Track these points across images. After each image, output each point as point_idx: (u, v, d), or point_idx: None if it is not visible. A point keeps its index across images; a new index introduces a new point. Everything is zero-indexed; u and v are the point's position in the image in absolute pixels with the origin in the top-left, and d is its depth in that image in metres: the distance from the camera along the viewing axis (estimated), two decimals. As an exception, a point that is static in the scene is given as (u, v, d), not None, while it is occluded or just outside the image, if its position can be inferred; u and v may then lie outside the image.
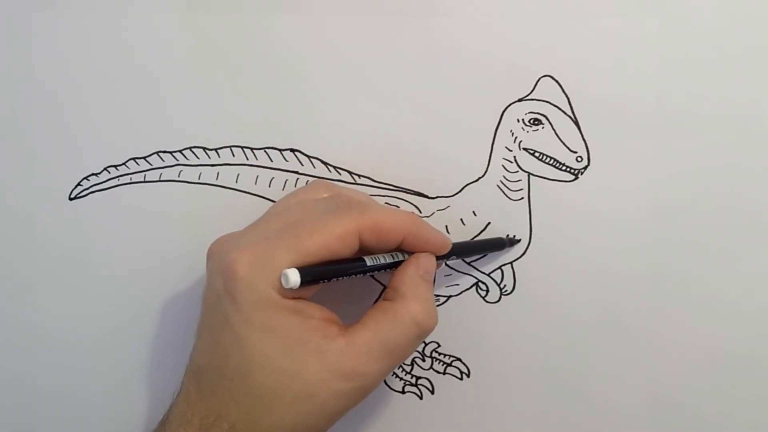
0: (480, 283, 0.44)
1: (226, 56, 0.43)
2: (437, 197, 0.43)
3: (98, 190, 0.44)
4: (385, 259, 0.37)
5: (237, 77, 0.43)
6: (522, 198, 0.43)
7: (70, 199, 0.44)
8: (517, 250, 0.43)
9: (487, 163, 0.43)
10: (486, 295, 0.44)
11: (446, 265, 0.43)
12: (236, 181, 0.44)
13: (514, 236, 0.43)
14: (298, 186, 0.43)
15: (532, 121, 0.42)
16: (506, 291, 0.44)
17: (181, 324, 0.44)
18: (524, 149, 0.43)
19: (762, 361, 0.43)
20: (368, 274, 0.37)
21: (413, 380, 0.45)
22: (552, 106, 0.42)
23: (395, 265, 0.38)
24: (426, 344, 0.44)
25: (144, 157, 0.44)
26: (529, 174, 0.43)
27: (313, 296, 0.37)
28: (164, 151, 0.44)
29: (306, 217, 0.36)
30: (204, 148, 0.44)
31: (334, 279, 0.36)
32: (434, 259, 0.39)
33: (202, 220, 0.44)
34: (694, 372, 0.43)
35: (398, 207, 0.43)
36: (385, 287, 0.41)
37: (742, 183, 0.42)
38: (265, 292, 0.35)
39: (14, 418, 0.45)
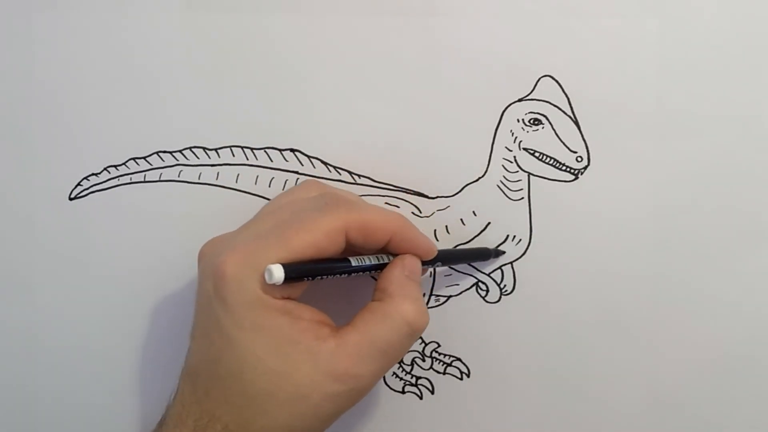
0: (480, 283, 0.44)
1: (226, 56, 0.43)
2: (437, 197, 0.43)
3: (98, 190, 0.44)
4: (370, 261, 0.37)
5: (237, 77, 0.43)
6: (522, 198, 0.43)
7: (70, 199, 0.44)
8: (517, 250, 0.43)
9: (487, 163, 0.43)
10: (486, 295, 0.44)
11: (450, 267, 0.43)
12: (236, 181, 0.44)
13: (499, 247, 0.43)
14: (297, 186, 0.44)
15: (532, 121, 0.42)
16: (506, 291, 0.44)
17: (181, 324, 0.44)
18: (524, 149, 0.43)
19: (762, 361, 0.43)
20: (362, 273, 0.37)
21: (413, 380, 0.45)
22: (552, 106, 0.42)
23: (380, 267, 0.38)
24: (426, 344, 0.44)
25: (144, 157, 0.44)
26: (529, 174, 0.43)
27: (305, 299, 0.37)
28: (164, 151, 0.44)
29: (294, 216, 0.36)
30: (204, 148, 0.44)
31: (319, 278, 0.36)
32: (419, 262, 0.38)
33: (202, 220, 0.44)
34: (694, 372, 0.43)
35: (398, 207, 0.43)
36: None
37: (742, 183, 0.42)
38: (254, 292, 0.35)
39: (14, 418, 0.45)
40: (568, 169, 0.42)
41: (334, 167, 0.43)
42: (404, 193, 0.43)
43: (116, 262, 0.44)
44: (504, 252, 0.43)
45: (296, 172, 0.44)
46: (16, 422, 0.46)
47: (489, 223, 0.43)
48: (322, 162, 0.44)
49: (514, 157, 0.43)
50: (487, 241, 0.43)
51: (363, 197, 0.43)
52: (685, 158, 0.42)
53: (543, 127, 0.42)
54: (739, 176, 0.42)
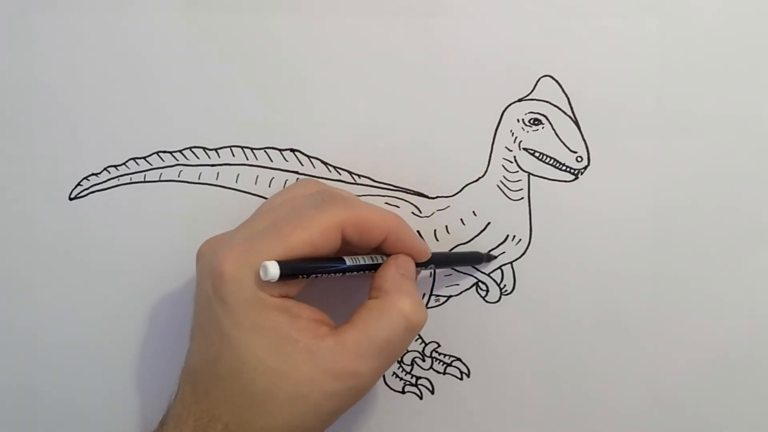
0: (480, 283, 0.44)
1: (226, 56, 0.43)
2: (437, 197, 0.43)
3: (98, 190, 0.44)
4: (364, 260, 0.38)
5: (237, 77, 0.43)
6: (522, 198, 0.43)
7: (70, 199, 0.44)
8: (517, 250, 0.43)
9: (487, 163, 0.43)
10: (486, 295, 0.44)
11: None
12: (236, 181, 0.44)
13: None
14: (297, 186, 0.44)
15: (532, 121, 0.42)
16: (506, 291, 0.44)
17: (180, 324, 0.44)
18: (524, 149, 0.43)
19: (762, 361, 0.43)
20: (357, 273, 0.37)
21: (413, 380, 0.45)
22: (552, 106, 0.42)
23: (375, 267, 0.38)
24: (426, 344, 0.44)
25: (144, 157, 0.44)
26: (529, 174, 0.43)
27: (303, 299, 0.37)
28: (164, 151, 0.44)
29: (291, 213, 0.36)
30: (204, 148, 0.44)
31: (314, 276, 0.36)
32: (413, 262, 0.38)
33: (202, 220, 0.44)
34: (694, 372, 0.43)
35: (398, 207, 0.43)
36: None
37: (742, 183, 0.42)
38: (252, 291, 0.35)
39: (14, 418, 0.45)
40: (568, 169, 0.42)
41: (334, 167, 0.43)
42: (404, 193, 0.43)
43: (116, 262, 0.44)
44: (496, 257, 0.43)
45: (296, 172, 0.44)
46: (16, 422, 0.46)
47: (489, 223, 0.43)
48: (322, 162, 0.44)
49: (514, 157, 0.43)
50: (488, 241, 0.43)
51: (363, 197, 0.43)
52: (685, 158, 0.42)
53: (543, 127, 0.42)
54: (739, 176, 0.42)
